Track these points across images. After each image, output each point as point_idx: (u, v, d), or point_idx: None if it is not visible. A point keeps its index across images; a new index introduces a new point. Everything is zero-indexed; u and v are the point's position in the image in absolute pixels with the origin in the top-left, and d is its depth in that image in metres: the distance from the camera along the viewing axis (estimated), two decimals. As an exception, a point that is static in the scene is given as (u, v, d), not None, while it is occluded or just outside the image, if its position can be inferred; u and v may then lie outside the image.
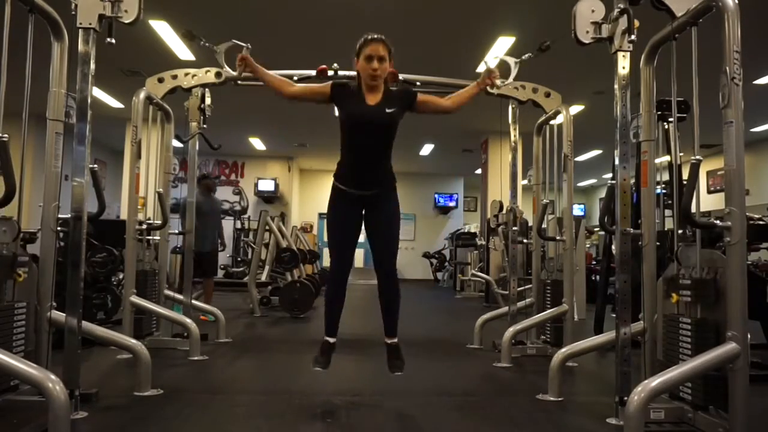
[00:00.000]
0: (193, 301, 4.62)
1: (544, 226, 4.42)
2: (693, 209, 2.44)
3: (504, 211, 7.33)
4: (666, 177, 3.99)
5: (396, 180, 2.86)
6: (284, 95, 2.78)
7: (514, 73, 3.17)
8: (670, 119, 3.61)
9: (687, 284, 2.50)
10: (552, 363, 3.08)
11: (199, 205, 5.75)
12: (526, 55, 3.15)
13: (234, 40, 2.97)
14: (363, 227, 2.86)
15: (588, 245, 9.43)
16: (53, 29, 2.75)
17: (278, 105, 8.83)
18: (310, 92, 2.79)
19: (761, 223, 3.67)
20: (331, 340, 2.84)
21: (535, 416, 2.76)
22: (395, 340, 2.85)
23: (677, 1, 2.58)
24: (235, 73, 2.98)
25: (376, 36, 2.67)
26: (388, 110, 2.69)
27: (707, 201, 5.45)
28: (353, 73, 4.05)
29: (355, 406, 2.86)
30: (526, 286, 5.87)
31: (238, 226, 11.57)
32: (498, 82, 2.61)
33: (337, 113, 2.78)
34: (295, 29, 5.93)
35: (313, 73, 4.05)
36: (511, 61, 3.10)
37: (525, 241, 4.77)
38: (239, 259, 10.68)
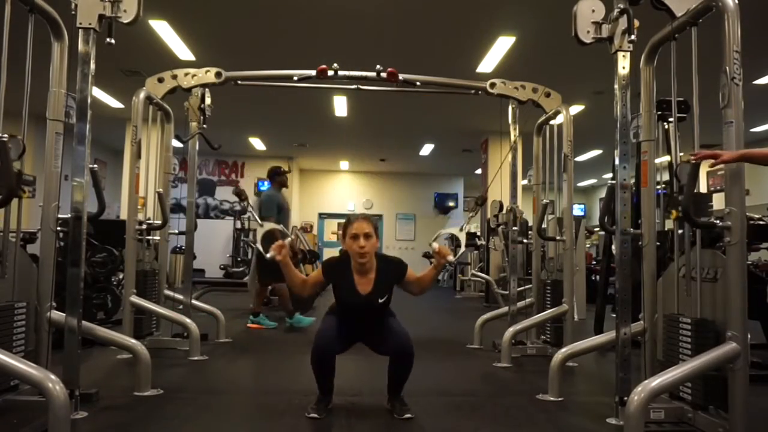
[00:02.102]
0: (193, 301, 4.62)
1: (544, 226, 4.42)
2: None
3: (504, 211, 7.33)
4: (666, 177, 3.99)
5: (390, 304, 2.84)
6: (304, 295, 2.89)
7: (463, 241, 3.19)
8: (670, 119, 3.61)
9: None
10: (552, 363, 3.08)
11: (279, 202, 5.77)
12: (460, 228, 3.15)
13: (282, 226, 2.99)
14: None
15: (588, 245, 9.42)
16: (53, 29, 2.75)
17: (278, 105, 8.84)
18: (316, 285, 2.83)
19: (761, 223, 3.67)
20: (327, 397, 2.74)
21: (535, 416, 2.77)
22: (401, 394, 2.77)
23: (677, 1, 2.59)
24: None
25: (359, 215, 2.79)
26: (380, 300, 2.73)
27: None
28: (354, 72, 4.12)
29: (355, 406, 2.85)
30: (526, 286, 5.86)
31: (238, 226, 11.59)
32: (450, 258, 2.66)
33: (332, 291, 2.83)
34: (295, 29, 5.93)
35: (313, 73, 4.05)
36: (456, 230, 3.13)
37: (525, 241, 4.76)
38: (239, 259, 10.69)
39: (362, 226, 2.68)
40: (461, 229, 2.98)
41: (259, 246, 5.02)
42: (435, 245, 2.70)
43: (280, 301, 5.71)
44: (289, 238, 2.84)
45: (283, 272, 2.70)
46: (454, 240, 2.78)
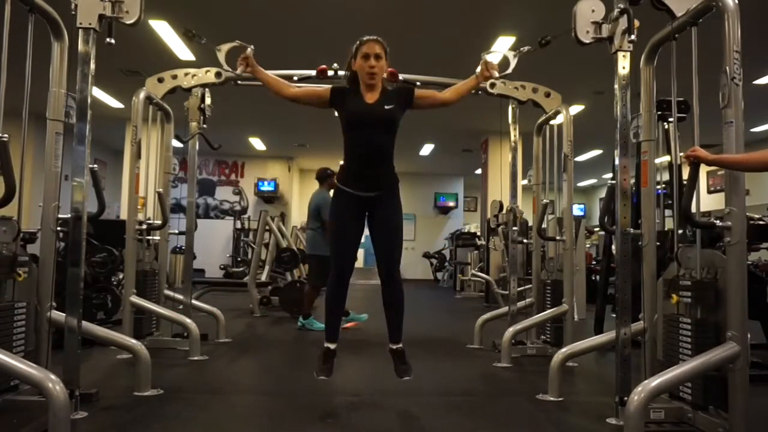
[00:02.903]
0: (193, 301, 4.62)
1: (544, 226, 4.42)
2: (693, 209, 2.44)
3: (504, 211, 7.33)
4: (666, 177, 3.99)
5: (399, 182, 2.85)
6: (283, 96, 2.81)
7: (513, 64, 3.16)
8: (670, 119, 3.61)
9: (687, 285, 2.50)
10: (552, 363, 3.08)
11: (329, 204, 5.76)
12: (525, 48, 3.14)
13: (238, 41, 2.97)
14: (366, 229, 2.85)
15: (588, 245, 9.42)
16: (53, 29, 2.75)
17: (278, 105, 8.80)
18: (310, 94, 2.82)
19: (761, 223, 3.67)
20: (332, 346, 2.80)
21: (535, 416, 2.77)
22: (400, 345, 2.82)
23: (677, 1, 2.58)
24: (235, 73, 2.98)
25: (372, 36, 2.72)
26: (387, 107, 2.71)
27: (707, 201, 5.45)
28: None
29: (355, 406, 2.86)
30: (526, 286, 5.86)
31: (238, 226, 11.59)
32: (495, 74, 2.63)
33: (338, 116, 2.79)
34: (294, 29, 5.93)
35: (313, 73, 4.05)
36: (510, 54, 3.10)
37: (525, 241, 4.76)
38: (239, 259, 10.69)
39: (373, 47, 2.68)
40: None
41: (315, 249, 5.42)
42: (487, 57, 2.68)
43: (302, 302, 5.72)
44: (249, 49, 2.80)
45: (259, 78, 2.76)
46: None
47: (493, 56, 2.71)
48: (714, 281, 2.39)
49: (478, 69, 2.85)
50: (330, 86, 2.80)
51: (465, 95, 2.86)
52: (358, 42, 2.74)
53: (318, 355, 2.82)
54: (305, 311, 5.52)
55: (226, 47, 3.39)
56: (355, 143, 2.74)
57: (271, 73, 4.31)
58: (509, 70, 3.15)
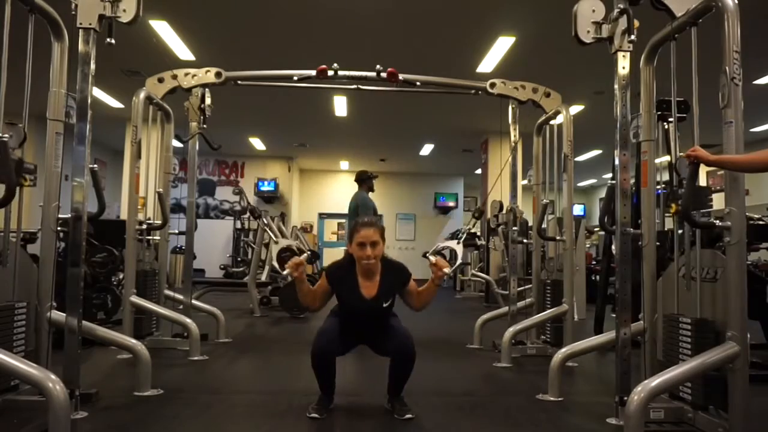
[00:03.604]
0: (193, 301, 4.62)
1: (544, 226, 4.42)
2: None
3: (504, 211, 7.33)
4: (666, 177, 3.99)
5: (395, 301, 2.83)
6: (315, 308, 2.85)
7: (460, 252, 3.11)
8: (670, 119, 3.61)
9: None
10: (552, 363, 3.08)
11: (374, 206, 5.92)
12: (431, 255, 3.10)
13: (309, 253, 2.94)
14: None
15: (588, 245, 9.42)
16: (53, 29, 2.75)
17: (278, 105, 8.84)
18: (323, 296, 2.80)
19: (761, 223, 3.67)
20: (328, 398, 2.73)
21: (535, 416, 2.77)
22: (401, 395, 2.76)
23: (677, 1, 2.59)
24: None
25: (366, 220, 2.75)
26: (384, 304, 2.73)
27: (707, 201, 5.44)
28: (353, 72, 4.11)
29: (355, 406, 2.86)
30: (526, 286, 5.87)
31: (238, 226, 11.58)
32: (446, 270, 2.65)
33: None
34: (295, 29, 5.93)
35: (313, 73, 4.05)
36: (455, 245, 3.09)
37: (525, 241, 4.76)
38: (239, 259, 10.69)
39: (369, 234, 2.67)
40: (459, 242, 2.98)
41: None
42: (432, 258, 2.69)
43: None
44: (306, 254, 2.83)
45: (297, 288, 2.71)
46: (450, 252, 2.77)
47: (432, 256, 2.77)
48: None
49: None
50: (324, 275, 2.78)
51: (430, 301, 2.82)
52: (354, 224, 2.78)
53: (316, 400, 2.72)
54: None
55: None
56: (352, 320, 2.77)
57: (271, 73, 4.32)
58: (457, 263, 3.09)
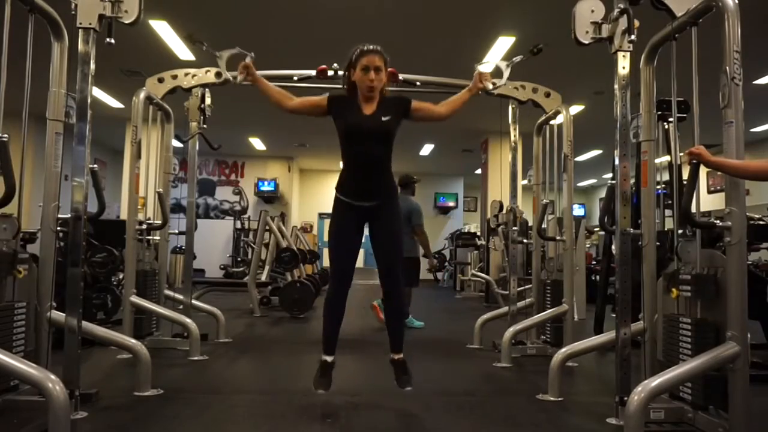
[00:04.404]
0: (193, 301, 4.62)
1: (544, 226, 4.42)
2: (693, 209, 2.44)
3: (504, 211, 7.33)
4: (666, 177, 3.99)
5: (398, 190, 2.84)
6: (283, 108, 2.81)
7: (506, 75, 3.15)
8: (670, 119, 3.61)
9: (687, 279, 2.49)
10: (552, 363, 3.08)
11: (419, 210, 6.00)
12: (518, 58, 3.13)
13: (239, 48, 2.96)
14: (367, 236, 2.83)
15: (588, 245, 9.42)
16: (53, 29, 2.75)
17: (278, 105, 8.84)
18: (309, 105, 2.80)
19: (761, 223, 3.67)
20: (330, 359, 2.76)
21: (535, 416, 2.77)
22: (401, 355, 2.80)
23: (677, 1, 2.58)
24: (235, 76, 2.98)
25: (371, 47, 2.68)
26: (384, 118, 2.70)
27: (707, 201, 5.44)
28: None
29: (355, 406, 2.85)
30: (526, 286, 5.86)
31: (238, 226, 11.59)
32: (488, 84, 2.60)
33: (335, 125, 2.79)
34: (295, 29, 5.93)
35: (313, 73, 4.05)
36: (503, 64, 3.09)
37: (525, 241, 4.76)
38: (239, 259, 10.70)
39: (374, 59, 2.64)
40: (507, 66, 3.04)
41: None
42: (480, 68, 2.64)
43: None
44: (249, 56, 2.80)
45: (259, 87, 2.76)
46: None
47: (486, 66, 2.69)
48: (713, 275, 2.38)
49: (472, 81, 2.84)
50: (327, 95, 2.78)
51: (459, 109, 2.83)
52: (357, 51, 2.69)
53: (317, 368, 2.78)
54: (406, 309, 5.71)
55: (226, 54, 3.38)
56: (353, 153, 2.74)
57: (270, 73, 4.31)
58: (503, 81, 3.13)
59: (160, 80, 4.17)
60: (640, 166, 3.03)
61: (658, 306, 2.79)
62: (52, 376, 2.18)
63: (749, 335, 2.26)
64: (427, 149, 12.08)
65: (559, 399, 3.01)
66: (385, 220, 2.77)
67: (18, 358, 2.31)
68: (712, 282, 2.36)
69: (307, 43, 6.21)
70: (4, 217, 2.51)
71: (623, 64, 2.70)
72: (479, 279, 9.27)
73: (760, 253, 5.85)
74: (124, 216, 4.86)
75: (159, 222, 4.15)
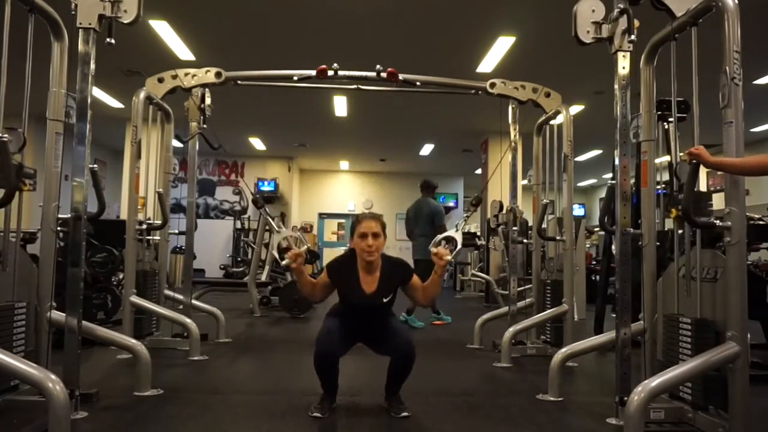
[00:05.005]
0: (193, 301, 4.63)
1: (544, 226, 4.42)
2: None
3: (504, 211, 7.33)
4: (666, 177, 3.99)
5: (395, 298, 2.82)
6: (315, 299, 2.89)
7: (460, 240, 3.13)
8: (670, 119, 3.61)
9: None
10: (552, 363, 3.08)
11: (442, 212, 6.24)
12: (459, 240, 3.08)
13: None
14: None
15: (588, 245, 9.42)
16: (53, 29, 2.75)
17: (278, 105, 8.84)
18: (325, 289, 2.83)
19: (761, 223, 3.67)
20: (331, 400, 2.74)
21: (535, 416, 2.77)
22: (398, 393, 2.77)
23: (677, 1, 2.59)
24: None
25: (368, 213, 2.79)
26: (385, 299, 2.74)
27: (707, 201, 5.44)
28: (353, 72, 4.11)
29: (355, 406, 2.85)
30: (526, 286, 5.87)
31: (238, 226, 11.58)
32: (447, 257, 2.66)
33: (337, 289, 2.83)
34: (295, 29, 5.93)
35: (313, 73, 4.05)
36: (454, 233, 3.10)
37: (525, 241, 4.76)
38: (239, 259, 10.69)
39: (371, 225, 2.71)
40: (457, 230, 2.98)
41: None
42: (433, 249, 2.71)
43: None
44: (305, 247, 2.86)
45: (296, 278, 2.78)
46: (451, 241, 2.77)
47: (432, 248, 2.74)
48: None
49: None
50: (326, 269, 2.82)
51: (437, 293, 2.91)
52: (355, 218, 2.81)
53: (318, 401, 2.72)
54: (411, 307, 5.78)
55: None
56: (352, 316, 2.78)
57: (270, 73, 4.32)
58: (458, 246, 3.11)
59: (160, 80, 4.16)
60: (640, 166, 3.03)
61: (658, 306, 2.79)
62: (53, 376, 2.18)
63: (749, 335, 2.26)
64: (427, 149, 12.07)
65: (559, 399, 3.01)
66: (385, 331, 2.76)
67: (18, 357, 2.31)
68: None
69: (307, 43, 6.21)
70: (10, 130, 2.45)
71: (623, 64, 2.70)
72: (479, 279, 9.27)
73: (760, 253, 5.85)
74: (124, 216, 4.86)
75: (159, 222, 4.15)
